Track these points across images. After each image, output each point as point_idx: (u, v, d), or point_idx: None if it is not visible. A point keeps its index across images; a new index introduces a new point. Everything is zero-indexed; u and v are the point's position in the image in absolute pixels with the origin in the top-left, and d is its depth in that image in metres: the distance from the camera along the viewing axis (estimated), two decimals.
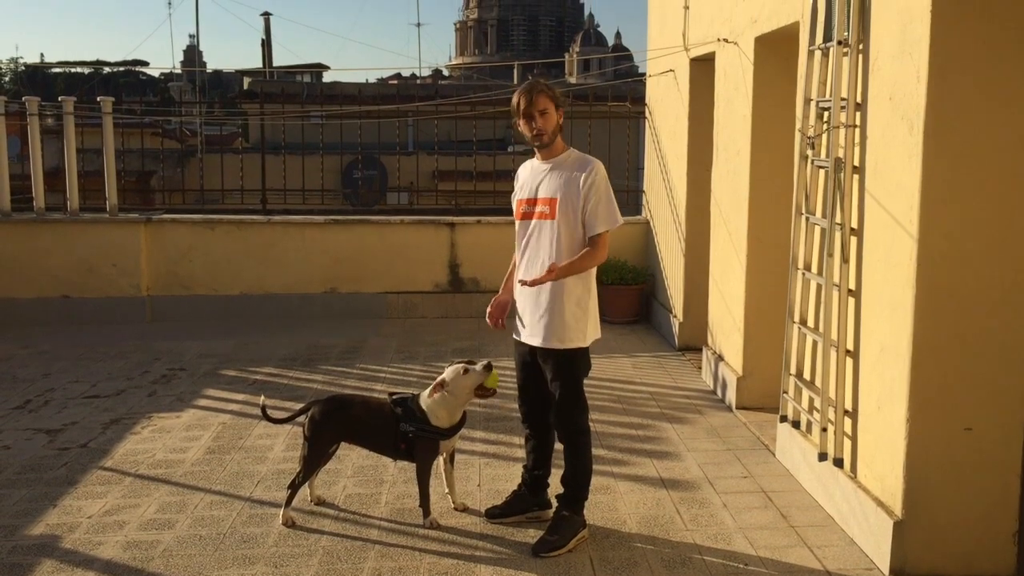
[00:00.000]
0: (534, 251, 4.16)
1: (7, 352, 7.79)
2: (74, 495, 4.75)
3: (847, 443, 4.35)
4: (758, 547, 4.16)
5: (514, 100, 4.13)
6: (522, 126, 4.14)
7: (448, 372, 4.37)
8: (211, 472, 5.05)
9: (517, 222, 4.28)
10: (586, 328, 4.16)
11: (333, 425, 4.45)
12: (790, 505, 4.63)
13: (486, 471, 5.08)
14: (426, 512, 4.38)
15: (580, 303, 4.13)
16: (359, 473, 5.04)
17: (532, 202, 4.17)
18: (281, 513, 4.42)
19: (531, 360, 4.25)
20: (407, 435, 4.35)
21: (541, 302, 4.12)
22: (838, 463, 4.38)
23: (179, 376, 7.09)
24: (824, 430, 4.46)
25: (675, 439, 5.64)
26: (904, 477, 3.83)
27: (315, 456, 4.45)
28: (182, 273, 9.13)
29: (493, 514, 4.44)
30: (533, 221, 4.16)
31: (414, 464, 4.42)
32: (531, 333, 4.18)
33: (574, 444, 4.24)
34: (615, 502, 4.66)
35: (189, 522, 4.42)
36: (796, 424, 4.94)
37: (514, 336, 4.33)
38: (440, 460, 4.52)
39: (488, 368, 4.32)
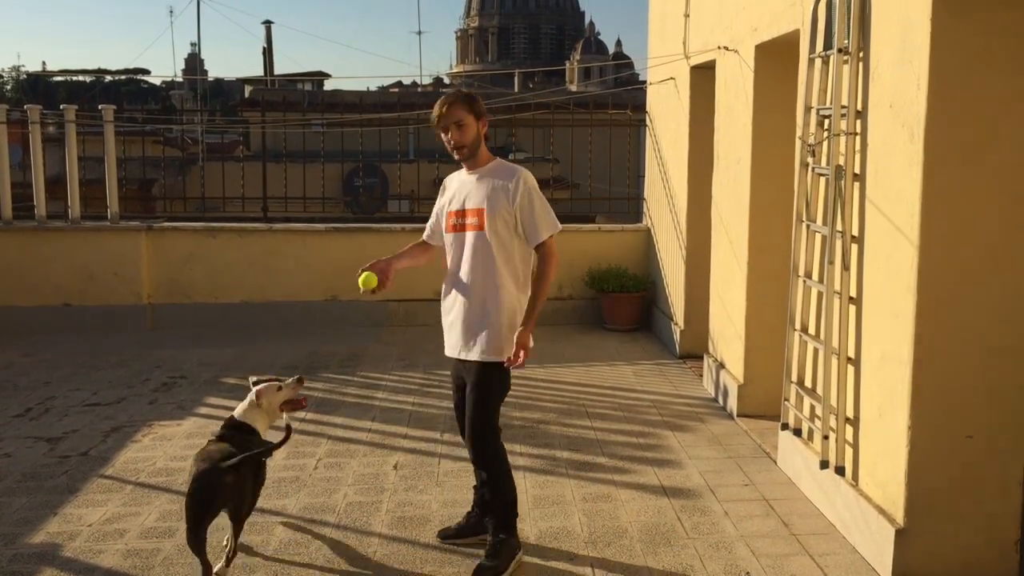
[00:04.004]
0: (467, 263, 4.04)
1: (8, 360, 7.79)
2: (75, 503, 4.74)
3: (849, 451, 4.35)
4: (760, 555, 4.15)
5: (433, 110, 4.03)
6: (441, 137, 4.06)
7: (262, 387, 4.14)
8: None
9: (448, 235, 4.15)
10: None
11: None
12: (792, 513, 4.62)
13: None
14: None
15: (517, 317, 4.01)
16: (359, 482, 5.04)
17: (461, 214, 4.06)
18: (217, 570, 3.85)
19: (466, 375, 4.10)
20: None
21: (483, 318, 3.99)
22: (840, 471, 4.37)
23: (180, 384, 7.08)
24: (826, 438, 4.45)
25: (676, 447, 5.63)
26: (906, 485, 3.83)
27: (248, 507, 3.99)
28: (183, 281, 9.13)
29: (446, 535, 4.29)
30: (466, 233, 4.03)
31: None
32: (466, 349, 4.04)
33: (494, 467, 4.03)
34: (616, 510, 4.66)
35: None
36: (798, 432, 4.93)
37: (448, 353, 4.18)
38: None
39: (299, 381, 4.19)
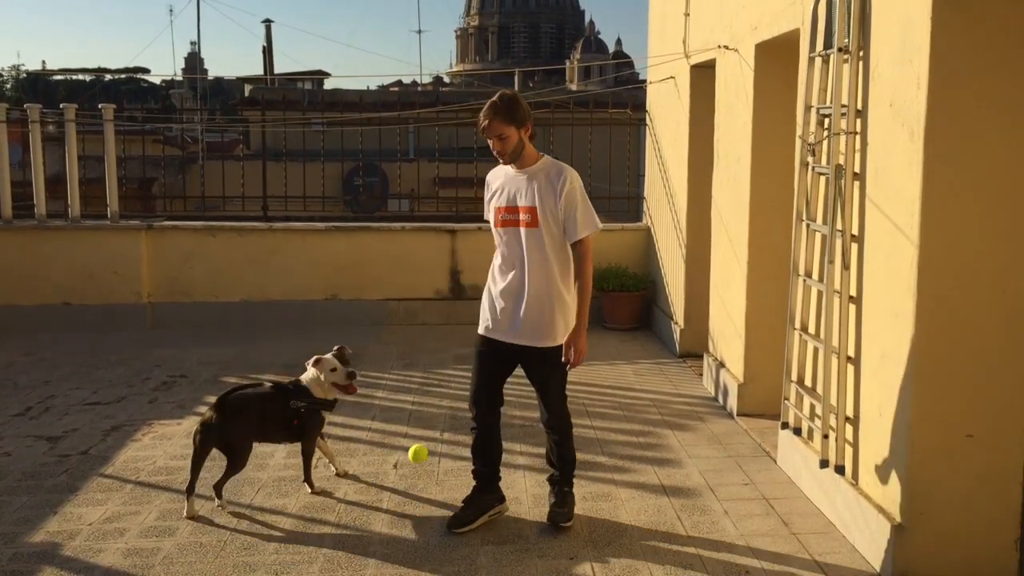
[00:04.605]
0: (525, 257, 4.28)
1: (8, 359, 7.79)
2: (75, 502, 4.75)
3: (848, 450, 4.35)
4: (759, 554, 4.15)
5: (479, 118, 4.26)
6: (488, 141, 4.30)
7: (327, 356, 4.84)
8: (212, 479, 5.02)
9: (498, 229, 4.38)
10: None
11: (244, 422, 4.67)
12: (792, 512, 4.62)
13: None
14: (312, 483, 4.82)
15: (570, 304, 4.35)
16: (359, 480, 5.04)
17: (513, 210, 4.30)
18: (221, 504, 4.61)
19: (509, 358, 4.40)
20: (299, 411, 4.68)
21: (548, 309, 4.28)
22: (839, 470, 4.37)
23: (180, 383, 7.08)
24: (825, 437, 4.45)
25: (676, 446, 5.63)
26: (906, 484, 3.83)
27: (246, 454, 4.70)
28: (183, 280, 9.13)
29: (460, 522, 4.39)
30: (519, 229, 4.28)
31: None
32: (533, 337, 4.30)
33: (566, 432, 4.48)
34: (616, 509, 4.66)
35: (190, 529, 4.41)
36: (797, 431, 4.93)
37: (494, 336, 4.39)
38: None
39: (351, 375, 4.77)
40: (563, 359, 4.27)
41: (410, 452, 4.61)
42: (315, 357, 4.81)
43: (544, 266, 4.24)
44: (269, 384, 4.87)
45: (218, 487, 4.61)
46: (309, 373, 4.81)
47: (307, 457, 4.80)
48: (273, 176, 10.79)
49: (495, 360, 4.41)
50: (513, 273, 4.31)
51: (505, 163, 4.31)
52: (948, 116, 3.68)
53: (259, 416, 4.68)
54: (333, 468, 5.06)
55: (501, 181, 4.39)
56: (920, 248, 3.72)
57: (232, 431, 4.56)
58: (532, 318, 4.26)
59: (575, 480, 4.58)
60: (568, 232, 4.24)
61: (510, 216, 4.30)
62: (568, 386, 4.49)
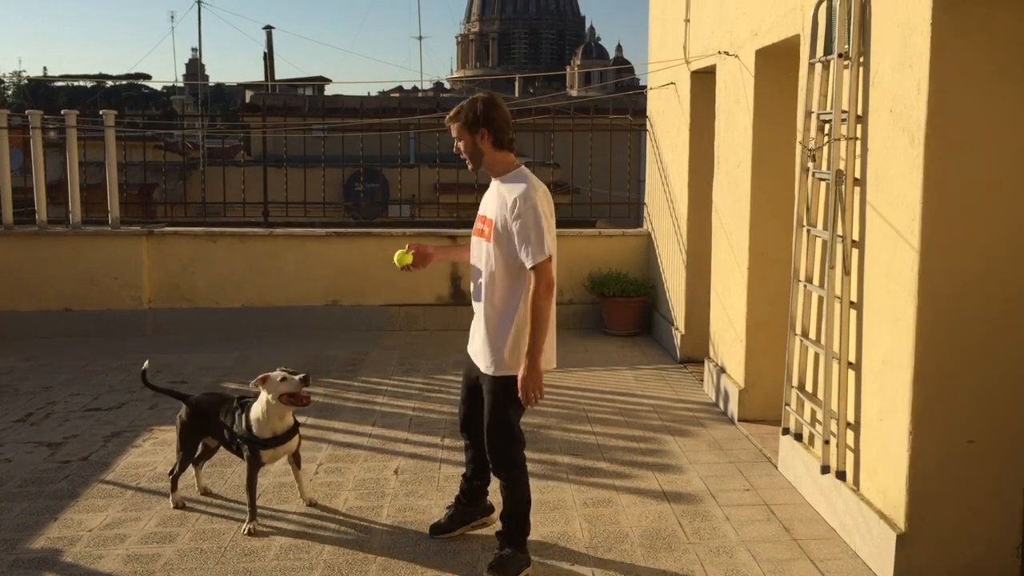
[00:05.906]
0: (482, 272, 3.99)
1: (9, 365, 7.79)
2: (75, 508, 4.74)
3: (849, 455, 4.34)
4: (760, 560, 4.15)
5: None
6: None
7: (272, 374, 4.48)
8: (212, 485, 5.04)
9: (472, 237, 4.14)
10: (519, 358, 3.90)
11: (197, 424, 4.72)
12: (793, 518, 4.61)
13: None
14: (251, 517, 4.46)
15: (524, 334, 3.86)
16: (360, 486, 5.03)
17: (482, 219, 4.06)
18: (171, 497, 4.73)
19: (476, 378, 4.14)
20: (236, 440, 4.55)
21: (495, 332, 3.93)
22: (841, 475, 4.37)
23: (181, 389, 7.06)
24: (827, 442, 4.45)
25: (677, 452, 5.63)
26: (907, 489, 3.82)
27: (188, 450, 4.76)
28: (184, 286, 9.13)
29: (438, 529, 4.38)
30: (482, 240, 4.01)
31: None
32: (481, 359, 4.02)
33: (509, 478, 4.05)
34: (617, 515, 4.65)
35: (190, 535, 4.41)
36: (798, 436, 4.93)
37: (468, 351, 4.19)
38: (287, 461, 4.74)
39: (305, 381, 4.43)
40: (512, 374, 3.86)
41: (395, 256, 4.24)
42: (260, 376, 4.45)
43: (491, 284, 3.93)
44: (237, 396, 4.72)
45: (172, 476, 4.75)
46: (257, 405, 4.48)
47: (247, 487, 4.46)
48: (274, 182, 10.80)
49: (468, 373, 4.23)
50: (477, 289, 4.04)
51: (470, 168, 4.04)
52: (948, 121, 3.68)
53: (208, 418, 4.68)
54: (300, 494, 4.76)
55: (488, 190, 4.13)
56: (921, 253, 3.72)
57: (180, 426, 4.72)
58: (478, 336, 4.03)
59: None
60: (523, 258, 3.81)
61: (480, 225, 4.05)
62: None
